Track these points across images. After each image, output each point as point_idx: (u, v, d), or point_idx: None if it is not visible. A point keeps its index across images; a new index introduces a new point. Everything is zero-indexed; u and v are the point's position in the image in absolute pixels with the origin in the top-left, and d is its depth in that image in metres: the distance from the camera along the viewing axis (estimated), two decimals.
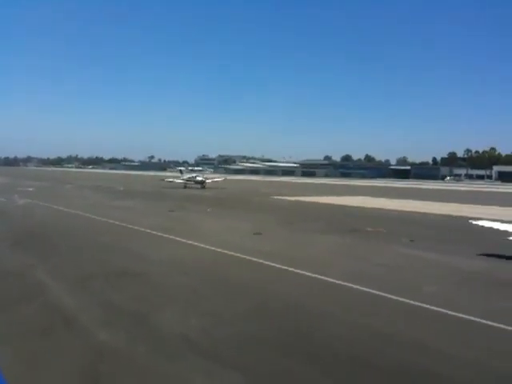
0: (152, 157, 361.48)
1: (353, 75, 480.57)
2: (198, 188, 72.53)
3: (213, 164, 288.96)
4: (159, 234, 24.37)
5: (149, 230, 25.34)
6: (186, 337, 10.03)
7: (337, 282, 15.00)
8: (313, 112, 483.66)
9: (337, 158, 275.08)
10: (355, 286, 14.42)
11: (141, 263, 17.39)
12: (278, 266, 17.20)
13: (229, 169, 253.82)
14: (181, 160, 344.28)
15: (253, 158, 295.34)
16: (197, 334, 10.18)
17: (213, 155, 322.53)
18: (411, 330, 10.70)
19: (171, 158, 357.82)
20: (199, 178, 77.07)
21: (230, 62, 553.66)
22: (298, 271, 16.32)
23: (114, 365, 8.71)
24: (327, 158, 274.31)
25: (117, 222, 28.57)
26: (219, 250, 20.05)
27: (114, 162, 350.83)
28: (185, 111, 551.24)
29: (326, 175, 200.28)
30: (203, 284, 14.65)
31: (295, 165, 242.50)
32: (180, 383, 8.05)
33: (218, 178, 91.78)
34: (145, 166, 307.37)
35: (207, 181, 77.73)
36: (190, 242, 21.96)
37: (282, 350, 9.42)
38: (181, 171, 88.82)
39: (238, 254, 19.04)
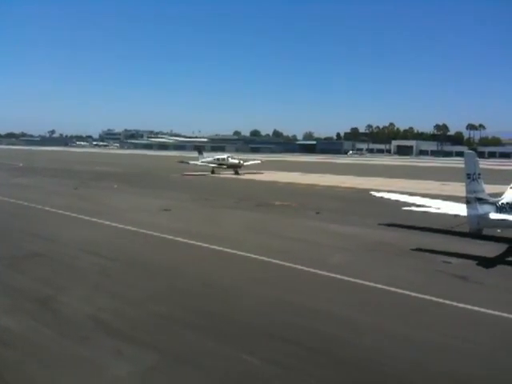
0: (53, 131, 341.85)
1: (262, 51, 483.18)
2: (230, 173, 55.03)
3: (119, 139, 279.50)
4: (67, 213, 23.45)
5: (54, 210, 24.28)
6: (96, 318, 9.86)
7: (245, 254, 15.37)
8: (222, 87, 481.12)
9: (246, 133, 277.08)
10: (261, 258, 14.84)
11: (47, 244, 16.72)
12: (187, 241, 17.27)
13: (136, 144, 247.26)
14: (84, 135, 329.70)
15: (161, 133, 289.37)
16: (107, 316, 10.04)
17: (118, 130, 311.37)
18: (318, 299, 11.23)
19: (74, 133, 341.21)
20: (233, 160, 57.10)
21: (140, 36, 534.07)
22: (208, 246, 16.48)
23: (19, 351, 8.38)
24: (236, 133, 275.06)
25: (23, 202, 27.06)
26: (129, 227, 19.71)
27: (12, 137, 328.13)
28: (88, 84, 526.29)
29: (236, 150, 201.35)
30: (114, 264, 14.39)
31: (205, 140, 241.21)
32: (91, 365, 7.93)
33: (252, 160, 67.13)
34: (46, 141, 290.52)
35: (245, 163, 58.31)
36: (102, 220, 21.36)
37: (194, 328, 9.54)
38: (199, 151, 63.58)
39: (149, 231, 18.83)
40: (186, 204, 28.31)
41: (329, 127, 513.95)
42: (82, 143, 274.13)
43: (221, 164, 56.81)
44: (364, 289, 12.11)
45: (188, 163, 58.58)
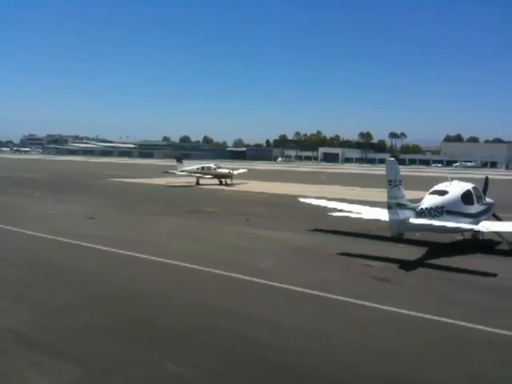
0: None
1: (191, 55, 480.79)
2: (216, 184, 49.12)
3: (41, 144, 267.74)
4: None
5: None
6: (15, 331, 9.38)
7: (170, 261, 15.14)
8: (150, 91, 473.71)
9: (175, 139, 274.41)
10: (190, 265, 14.68)
11: None
12: (109, 249, 16.81)
13: (60, 149, 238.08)
14: (4, 139, 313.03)
15: (86, 138, 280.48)
16: (26, 327, 9.56)
17: (41, 134, 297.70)
18: (244, 304, 11.27)
19: None
20: (222, 170, 51.28)
21: (63, 35, 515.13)
22: (133, 254, 16.09)
23: None
24: (166, 138, 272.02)
25: None
26: (51, 236, 18.88)
27: None
28: (8, 86, 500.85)
29: (166, 156, 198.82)
30: (33, 274, 13.73)
31: (133, 145, 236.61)
32: (10, 380, 7.51)
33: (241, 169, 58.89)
34: None
35: (235, 172, 52.08)
36: (23, 230, 20.31)
37: (117, 337, 9.28)
38: (179, 159, 54.60)
39: (71, 240, 18.12)
40: (111, 211, 27.56)
41: (258, 134, 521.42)
42: (3, 149, 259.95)
43: (205, 173, 50.72)
44: (290, 293, 12.27)
45: (175, 173, 51.34)
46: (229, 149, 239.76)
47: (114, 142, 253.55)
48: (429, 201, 17.88)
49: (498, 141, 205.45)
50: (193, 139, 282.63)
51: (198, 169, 51.57)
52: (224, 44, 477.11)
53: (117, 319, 10.15)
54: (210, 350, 8.65)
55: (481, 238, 19.74)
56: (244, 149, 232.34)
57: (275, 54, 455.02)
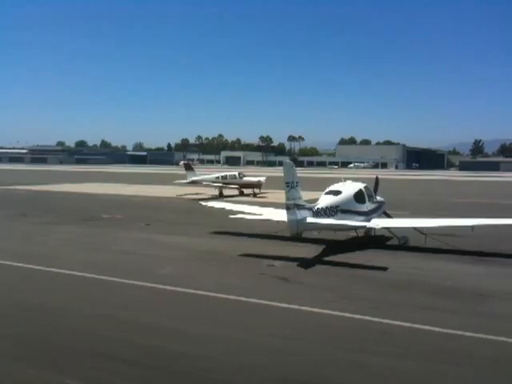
0: None
1: (91, 60, 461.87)
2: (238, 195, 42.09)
3: None
4: None
5: None
6: None
7: (65, 271, 14.57)
8: (45, 96, 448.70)
9: (71, 143, 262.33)
10: (87, 275, 14.16)
11: None
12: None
13: None
14: None
15: None
16: None
17: None
18: (145, 312, 11.05)
19: None
20: (250, 179, 43.90)
21: None
22: (25, 265, 15.22)
23: None
24: (60, 143, 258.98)
25: None
26: None
27: None
28: None
29: (61, 162, 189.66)
30: None
31: (24, 151, 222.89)
32: None
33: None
34: None
35: (261, 179, 43.23)
36: None
37: (10, 357, 8.73)
38: (188, 166, 45.21)
39: None
40: (2, 221, 25.80)
41: (159, 138, 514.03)
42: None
43: (228, 183, 42.65)
44: (193, 297, 12.21)
45: (202, 183, 43.52)
46: (129, 153, 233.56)
47: (4, 148, 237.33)
48: (324, 201, 18.62)
49: (388, 143, 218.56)
50: (90, 143, 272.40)
51: (217, 178, 43.52)
52: (124, 48, 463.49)
53: (8, 337, 9.52)
54: (113, 364, 8.35)
55: (373, 234, 20.95)
56: (145, 153, 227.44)
57: (177, 57, 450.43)
